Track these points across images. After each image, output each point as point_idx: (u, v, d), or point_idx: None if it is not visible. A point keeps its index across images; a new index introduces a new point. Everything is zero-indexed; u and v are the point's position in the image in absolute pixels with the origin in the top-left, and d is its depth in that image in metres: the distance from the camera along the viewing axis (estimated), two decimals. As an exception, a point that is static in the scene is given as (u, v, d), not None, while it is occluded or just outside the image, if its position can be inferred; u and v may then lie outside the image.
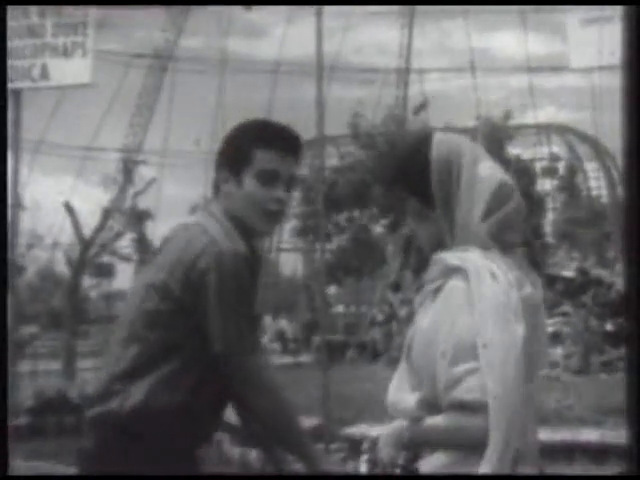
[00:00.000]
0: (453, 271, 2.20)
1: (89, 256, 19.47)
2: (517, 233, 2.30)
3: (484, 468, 2.11)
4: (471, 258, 2.20)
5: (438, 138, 2.29)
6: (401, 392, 2.32)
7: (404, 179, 2.33)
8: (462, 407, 2.14)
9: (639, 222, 1.85)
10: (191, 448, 2.74)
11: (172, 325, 2.66)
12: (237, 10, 27.54)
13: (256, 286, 2.77)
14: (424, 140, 2.31)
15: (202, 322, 2.62)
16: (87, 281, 24.74)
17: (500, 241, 2.25)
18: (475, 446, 2.12)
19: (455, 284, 2.18)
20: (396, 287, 19.90)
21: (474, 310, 2.14)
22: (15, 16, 7.12)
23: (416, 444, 2.20)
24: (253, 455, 8.16)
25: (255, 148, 2.73)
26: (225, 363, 2.65)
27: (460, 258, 2.20)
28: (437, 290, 2.24)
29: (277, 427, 2.75)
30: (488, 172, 2.30)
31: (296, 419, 2.79)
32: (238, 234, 2.71)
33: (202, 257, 2.61)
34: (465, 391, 2.13)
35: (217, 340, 2.61)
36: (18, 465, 7.70)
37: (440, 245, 2.27)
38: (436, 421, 2.18)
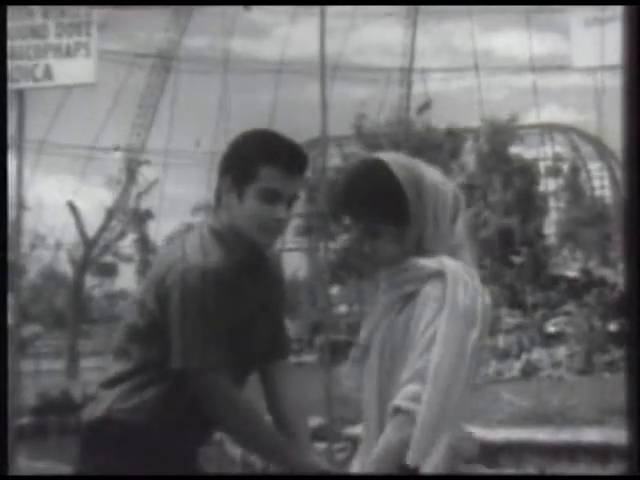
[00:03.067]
0: (430, 276, 2.28)
1: (92, 256, 19.48)
2: (478, 231, 2.45)
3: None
4: (449, 263, 2.29)
5: (394, 162, 2.37)
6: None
7: (373, 210, 2.36)
8: (397, 414, 2.22)
9: (639, 222, 1.85)
10: (158, 460, 2.69)
11: (148, 340, 2.66)
12: (240, 10, 27.53)
13: (246, 296, 2.71)
14: (377, 168, 2.38)
15: (169, 337, 2.61)
16: (90, 281, 24.73)
17: (471, 238, 2.39)
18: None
19: (431, 290, 2.26)
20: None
21: (442, 314, 2.23)
22: (18, 16, 7.13)
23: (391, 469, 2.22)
24: (255, 455, 8.15)
25: (261, 164, 2.67)
26: (184, 380, 2.61)
27: (439, 262, 2.29)
28: (409, 295, 2.31)
29: (250, 447, 2.74)
30: (447, 184, 2.42)
31: (272, 441, 2.71)
32: (228, 246, 2.67)
33: (169, 273, 2.61)
34: (402, 398, 2.22)
35: (175, 356, 2.58)
36: (21, 464, 7.71)
37: (406, 256, 2.36)
38: (381, 441, 2.25)
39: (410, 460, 2.16)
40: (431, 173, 2.41)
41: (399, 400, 2.22)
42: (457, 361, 2.20)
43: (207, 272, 2.58)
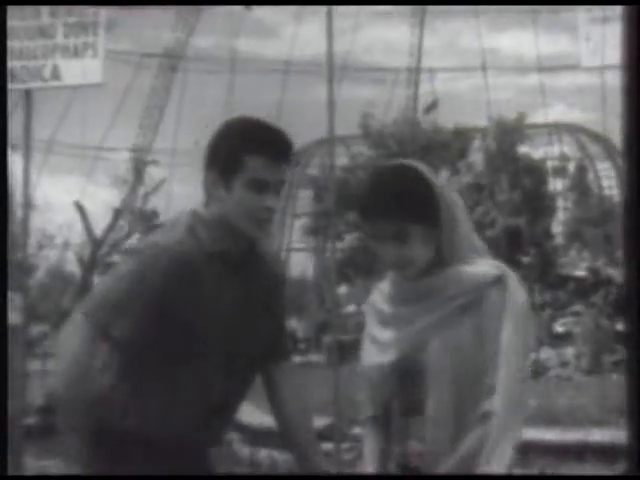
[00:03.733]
0: (490, 284, 2.31)
1: (99, 255, 19.51)
2: (486, 230, 2.49)
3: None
4: (502, 266, 2.35)
5: (422, 168, 2.42)
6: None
7: (404, 210, 2.36)
8: (487, 418, 2.23)
9: (639, 222, 1.85)
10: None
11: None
12: (253, 9, 27.55)
13: (224, 289, 2.64)
14: (414, 171, 2.42)
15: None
16: (97, 280, 24.76)
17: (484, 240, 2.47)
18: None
19: (496, 297, 2.30)
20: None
21: (507, 316, 2.28)
22: (26, 17, 7.15)
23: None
24: (262, 454, 8.17)
25: (246, 154, 2.62)
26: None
27: (497, 267, 2.35)
28: (467, 305, 2.32)
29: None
30: (455, 193, 2.48)
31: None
32: (214, 236, 2.63)
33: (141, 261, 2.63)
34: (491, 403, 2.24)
35: (117, 323, 2.59)
36: (28, 463, 7.72)
37: (436, 260, 2.38)
38: (465, 446, 2.25)
39: (484, 460, 2.21)
40: (442, 180, 2.49)
41: (489, 405, 2.24)
42: (526, 358, 2.28)
43: (174, 254, 2.56)
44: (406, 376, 2.37)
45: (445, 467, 2.27)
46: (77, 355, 2.56)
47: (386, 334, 2.42)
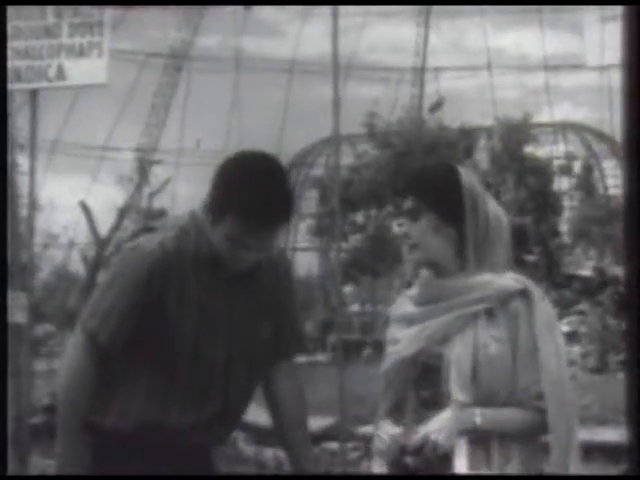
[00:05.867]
0: (513, 295, 2.44)
1: (104, 255, 19.53)
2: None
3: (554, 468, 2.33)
4: (525, 280, 2.48)
5: (463, 169, 2.57)
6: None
7: (428, 195, 2.51)
8: (539, 400, 2.35)
9: (639, 222, 1.85)
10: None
11: None
12: (252, 9, 27.56)
13: (201, 291, 2.60)
14: (452, 167, 2.57)
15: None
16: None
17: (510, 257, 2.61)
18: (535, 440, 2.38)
19: (519, 307, 2.43)
20: (410, 286, 19.85)
21: (538, 325, 2.41)
22: (31, 16, 7.15)
23: (485, 430, 2.32)
24: (268, 454, 8.16)
25: (227, 209, 2.46)
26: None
27: (517, 280, 2.47)
28: (491, 311, 2.42)
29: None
30: (497, 209, 2.58)
31: None
32: (196, 239, 2.59)
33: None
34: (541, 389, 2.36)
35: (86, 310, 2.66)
36: (34, 462, 7.73)
37: (457, 258, 2.49)
38: (513, 413, 2.36)
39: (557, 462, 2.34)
40: (484, 193, 2.58)
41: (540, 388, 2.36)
42: (562, 362, 2.41)
43: (154, 257, 2.54)
44: (426, 369, 2.44)
45: (485, 411, 2.34)
46: (73, 362, 2.58)
47: (408, 330, 2.50)
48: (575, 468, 2.33)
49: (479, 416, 2.32)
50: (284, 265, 2.83)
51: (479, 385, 2.35)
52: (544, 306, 2.44)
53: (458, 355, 2.37)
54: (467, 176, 2.53)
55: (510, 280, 2.47)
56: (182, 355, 2.58)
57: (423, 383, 2.46)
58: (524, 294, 2.44)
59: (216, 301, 2.60)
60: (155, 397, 2.59)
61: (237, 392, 2.66)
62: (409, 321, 2.51)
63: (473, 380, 2.35)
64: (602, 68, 8.33)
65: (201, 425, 2.60)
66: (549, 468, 2.35)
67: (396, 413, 2.52)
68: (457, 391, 2.36)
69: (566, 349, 2.49)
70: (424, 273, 2.56)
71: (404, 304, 2.59)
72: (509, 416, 2.35)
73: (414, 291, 2.57)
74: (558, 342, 2.42)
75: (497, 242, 2.52)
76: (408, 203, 2.53)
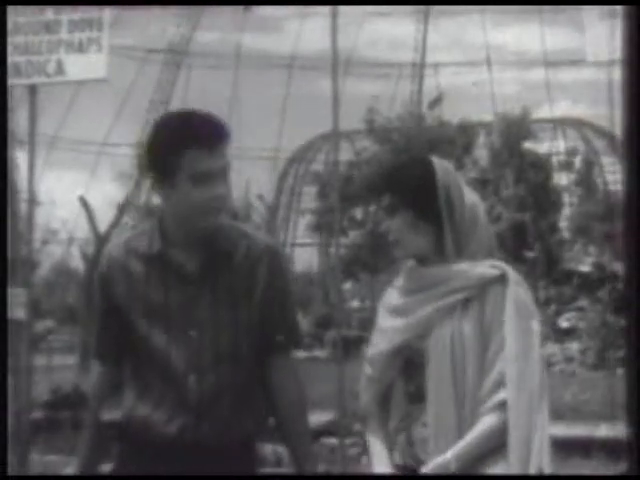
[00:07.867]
0: (492, 281, 2.43)
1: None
2: (491, 225, 2.64)
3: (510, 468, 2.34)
4: (503, 266, 2.47)
5: (438, 163, 2.57)
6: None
7: (402, 192, 2.53)
8: (502, 408, 2.35)
9: (639, 221, 1.86)
10: None
11: None
12: (252, 9, 27.53)
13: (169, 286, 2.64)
14: (426, 162, 2.58)
15: None
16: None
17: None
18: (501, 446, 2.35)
19: (496, 294, 2.42)
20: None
21: (508, 310, 2.40)
22: (31, 12, 7.14)
23: (463, 467, 2.34)
24: (267, 450, 8.15)
25: (182, 149, 2.56)
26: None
27: (495, 266, 2.46)
28: (470, 300, 2.43)
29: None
30: (472, 197, 2.58)
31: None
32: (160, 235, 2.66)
33: None
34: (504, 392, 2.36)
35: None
36: (34, 458, 7.73)
37: (437, 250, 2.51)
38: (484, 433, 2.36)
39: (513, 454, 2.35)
40: (460, 180, 2.59)
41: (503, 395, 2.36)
42: (532, 351, 2.38)
43: (110, 258, 2.70)
44: (408, 362, 2.49)
45: (455, 450, 2.34)
46: (93, 389, 2.81)
47: (393, 322, 2.53)
48: (547, 465, 2.33)
49: (454, 462, 2.34)
50: (278, 259, 2.80)
51: (457, 380, 2.37)
52: (518, 290, 2.43)
53: (437, 351, 2.41)
54: (442, 170, 2.54)
55: (487, 267, 2.47)
56: (151, 357, 2.63)
57: (407, 379, 2.50)
58: (501, 279, 2.45)
59: (179, 299, 2.63)
60: (142, 397, 2.64)
61: (219, 390, 2.63)
62: (395, 312, 2.55)
63: (452, 375, 2.38)
64: (602, 64, 8.33)
65: (187, 422, 2.62)
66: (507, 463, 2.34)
67: (383, 403, 2.59)
68: (434, 388, 2.39)
69: (540, 336, 2.44)
70: (409, 262, 2.59)
71: (392, 294, 2.62)
72: (480, 439, 2.36)
73: (400, 281, 2.60)
74: (525, 326, 2.39)
75: (475, 230, 2.51)
76: (385, 200, 2.55)
